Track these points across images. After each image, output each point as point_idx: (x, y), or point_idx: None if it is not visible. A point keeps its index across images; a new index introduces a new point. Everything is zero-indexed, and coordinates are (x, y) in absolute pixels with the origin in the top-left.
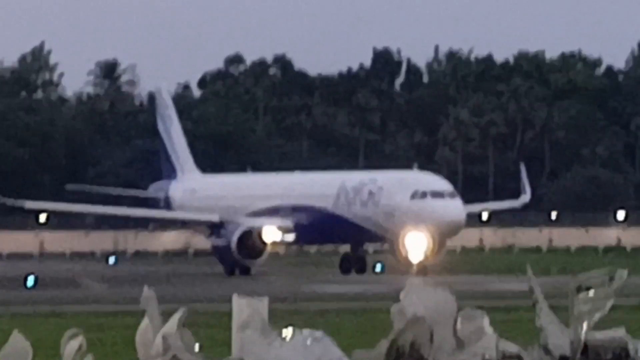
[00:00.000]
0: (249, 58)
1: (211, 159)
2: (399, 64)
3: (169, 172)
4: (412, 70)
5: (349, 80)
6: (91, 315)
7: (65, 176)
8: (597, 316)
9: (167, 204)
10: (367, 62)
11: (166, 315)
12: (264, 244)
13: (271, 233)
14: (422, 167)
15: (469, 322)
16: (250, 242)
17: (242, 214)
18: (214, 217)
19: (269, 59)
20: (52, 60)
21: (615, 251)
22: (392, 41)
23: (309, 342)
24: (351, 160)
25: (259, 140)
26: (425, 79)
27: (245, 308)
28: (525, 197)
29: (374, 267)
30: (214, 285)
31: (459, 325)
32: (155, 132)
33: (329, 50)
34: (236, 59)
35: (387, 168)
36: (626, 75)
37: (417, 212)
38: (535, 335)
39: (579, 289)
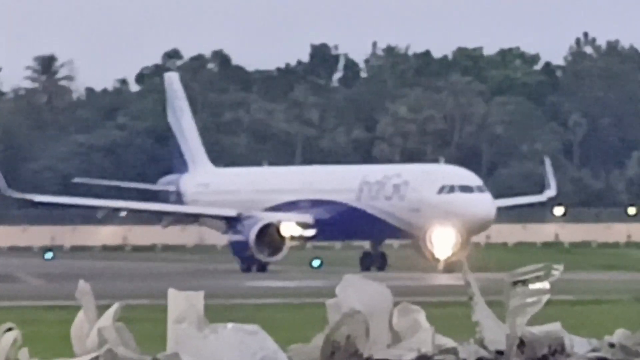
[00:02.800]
0: (187, 53)
1: (149, 154)
2: (337, 59)
3: (179, 165)
4: (350, 65)
5: (287, 76)
6: (27, 310)
7: (3, 171)
8: (532, 311)
9: (178, 198)
10: (305, 58)
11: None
12: (283, 239)
13: (290, 228)
14: (360, 163)
15: (405, 316)
16: (269, 238)
17: (258, 209)
18: (231, 212)
19: (207, 54)
20: None
21: (553, 247)
22: (329, 36)
23: (243, 336)
24: (288, 155)
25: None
26: (363, 74)
27: (181, 302)
28: (550, 192)
29: (310, 262)
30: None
31: (395, 319)
32: (94, 127)
33: (266, 45)
34: (174, 54)
35: (325, 164)
36: (564, 72)
37: (444, 207)
38: (471, 331)
39: (514, 284)
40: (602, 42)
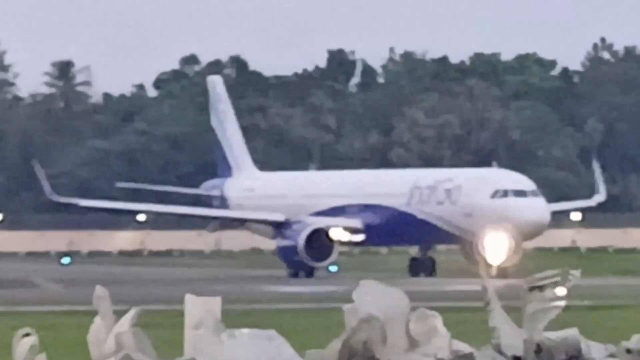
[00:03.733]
0: (204, 59)
1: (166, 159)
2: (354, 64)
3: (223, 169)
4: (367, 71)
5: (304, 81)
6: (45, 315)
7: (20, 176)
8: (550, 317)
9: (223, 203)
10: (322, 63)
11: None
12: (332, 244)
13: (340, 233)
14: (376, 168)
15: (422, 322)
16: (319, 243)
17: (305, 214)
18: (279, 217)
19: (224, 59)
20: (7, 60)
21: (571, 252)
22: (346, 42)
23: (260, 341)
24: (305, 160)
25: (214, 140)
26: (380, 79)
27: (199, 307)
28: (600, 197)
29: (327, 267)
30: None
31: (411, 325)
32: (111, 132)
33: (283, 50)
34: (191, 60)
35: (341, 169)
36: (581, 77)
37: (498, 212)
38: (488, 336)
39: (532, 290)
40: (619, 47)
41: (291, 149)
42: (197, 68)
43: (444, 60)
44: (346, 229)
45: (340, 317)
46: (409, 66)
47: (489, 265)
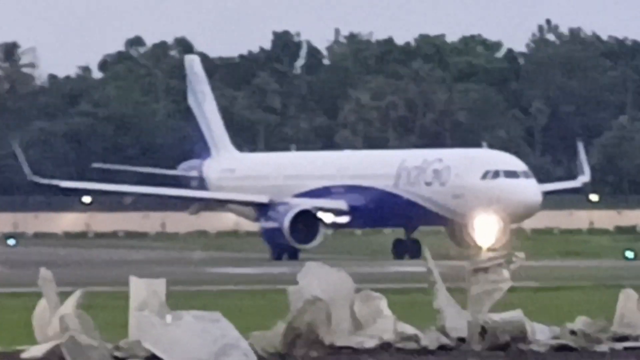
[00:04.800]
0: (149, 40)
1: (112, 141)
2: (299, 46)
3: (201, 150)
4: (312, 52)
5: (249, 63)
6: None
7: None
8: (494, 298)
9: (201, 184)
10: (267, 45)
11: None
12: (318, 226)
13: (325, 215)
14: (322, 150)
15: (366, 304)
16: (304, 225)
17: (288, 195)
18: (262, 198)
19: (170, 41)
20: None
21: (516, 234)
22: (292, 24)
23: (205, 323)
24: (250, 142)
25: (160, 122)
26: (326, 61)
27: (143, 289)
28: (585, 178)
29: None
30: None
31: (356, 307)
32: (57, 114)
33: (229, 32)
34: (136, 41)
35: (286, 150)
36: (527, 59)
37: (489, 193)
38: (433, 318)
39: (476, 272)
40: (564, 29)
41: (236, 130)
42: (142, 50)
43: (389, 41)
44: (331, 210)
45: (285, 299)
46: (354, 48)
47: (478, 247)
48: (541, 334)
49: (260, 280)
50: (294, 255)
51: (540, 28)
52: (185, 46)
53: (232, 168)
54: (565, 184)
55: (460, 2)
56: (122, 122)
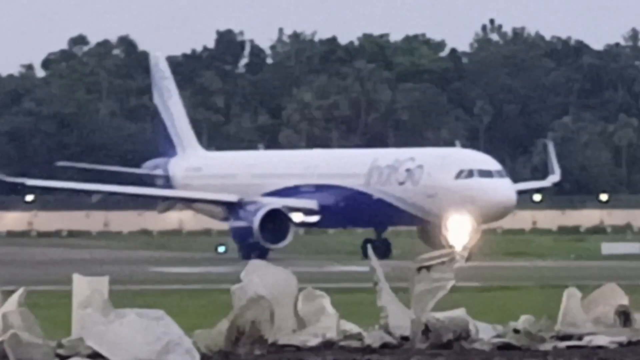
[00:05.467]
0: (93, 39)
1: (55, 140)
2: (243, 45)
3: (166, 148)
4: (256, 52)
5: (193, 62)
6: None
7: None
8: (437, 297)
9: (167, 183)
10: (211, 44)
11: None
12: (288, 226)
13: (294, 214)
14: (266, 149)
15: (310, 302)
16: (274, 224)
17: (257, 194)
18: (232, 197)
19: (113, 39)
20: None
21: None
22: (235, 23)
23: (148, 321)
24: None
25: (102, 121)
26: (269, 60)
27: (86, 287)
28: (554, 177)
29: (216, 248)
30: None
31: (300, 305)
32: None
33: (172, 31)
34: (80, 40)
35: (231, 149)
36: (470, 58)
37: (463, 193)
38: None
39: (419, 270)
40: (508, 29)
41: None
42: (85, 48)
43: (332, 41)
44: (302, 210)
45: (229, 298)
46: (297, 47)
47: (451, 248)
48: (484, 333)
49: (204, 280)
50: (263, 254)
51: (484, 28)
52: (128, 45)
53: (198, 166)
54: (535, 183)
55: (404, 2)
56: (65, 121)
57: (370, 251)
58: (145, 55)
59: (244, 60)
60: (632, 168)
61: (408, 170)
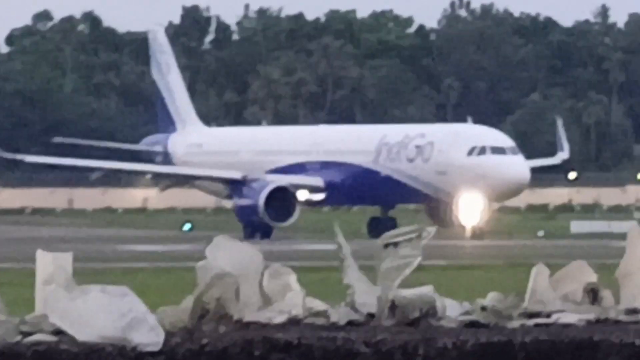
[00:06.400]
0: (57, 14)
1: (18, 116)
2: (209, 21)
3: (166, 124)
4: (222, 28)
5: None
6: None
7: None
8: (404, 274)
9: (166, 159)
10: (176, 20)
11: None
12: (294, 203)
13: (299, 192)
14: (232, 126)
15: (275, 279)
16: (279, 202)
17: (260, 172)
18: (235, 174)
19: (77, 15)
20: None
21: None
22: None
23: (112, 298)
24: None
25: (66, 97)
26: (236, 37)
27: (50, 263)
28: (564, 154)
29: (181, 225)
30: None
31: (265, 282)
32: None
33: (137, 7)
34: (44, 16)
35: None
36: (438, 35)
37: (475, 170)
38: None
39: (386, 247)
40: (476, 5)
41: (145, 106)
42: (49, 24)
43: (299, 17)
44: (307, 187)
45: (194, 276)
46: (264, 23)
47: (462, 226)
48: (452, 310)
49: (168, 258)
50: (267, 233)
51: (452, 4)
52: (93, 21)
53: (199, 143)
54: (542, 161)
55: None
56: (29, 98)
57: (336, 228)
58: (110, 31)
59: (209, 37)
60: (601, 146)
61: (418, 146)
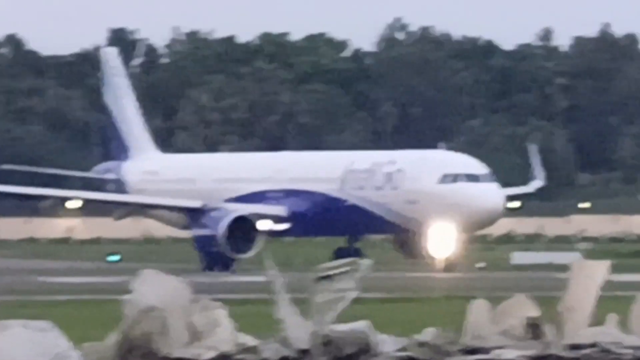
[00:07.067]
0: None
1: None
2: (136, 44)
3: (119, 150)
4: (150, 51)
5: (84, 61)
6: None
7: None
8: (338, 308)
9: (119, 188)
10: (103, 42)
11: None
12: (256, 234)
13: (262, 222)
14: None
15: (204, 313)
16: (241, 233)
17: (219, 200)
18: (195, 203)
19: (0, 38)
20: None
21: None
22: (128, 20)
23: (34, 333)
24: (84, 144)
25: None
26: (164, 60)
27: None
28: (538, 183)
29: (106, 256)
30: None
31: (194, 316)
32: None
33: (62, 29)
34: None
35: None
36: (375, 59)
37: (447, 199)
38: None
39: (320, 280)
40: (414, 27)
41: (71, 132)
42: None
43: (230, 40)
44: (270, 217)
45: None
46: (193, 46)
47: (433, 258)
48: (387, 346)
49: (94, 290)
50: (227, 265)
51: (390, 26)
52: (16, 43)
53: (154, 170)
54: (516, 189)
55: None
56: None
57: (268, 261)
58: (33, 55)
59: (137, 60)
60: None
61: (387, 174)
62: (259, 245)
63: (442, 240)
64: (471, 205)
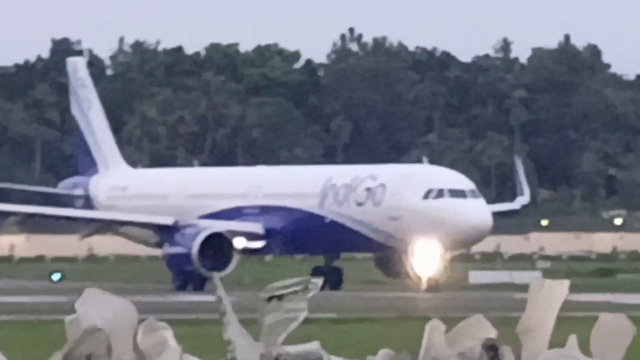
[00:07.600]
0: None
1: None
2: (80, 55)
3: (86, 166)
4: (95, 62)
5: (26, 73)
6: None
7: None
8: (289, 329)
9: (87, 204)
10: (45, 54)
11: None
12: (231, 252)
13: (236, 239)
14: None
15: (150, 334)
16: (215, 251)
17: (192, 217)
18: (167, 220)
19: None
20: None
21: (314, 260)
22: (72, 30)
23: None
24: (26, 159)
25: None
26: (109, 72)
27: None
28: (524, 199)
29: (50, 274)
30: None
31: (139, 338)
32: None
33: (3, 40)
34: None
35: (67, 169)
36: (327, 71)
37: (432, 215)
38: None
39: (269, 300)
40: (368, 38)
41: (12, 147)
42: None
43: (177, 51)
44: (245, 234)
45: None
46: (140, 57)
47: (417, 277)
48: None
49: (37, 310)
50: (201, 284)
51: (343, 37)
52: None
53: (124, 185)
54: (500, 206)
55: (255, 9)
56: None
57: (216, 280)
58: None
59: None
60: (502, 190)
61: (368, 189)
62: (234, 263)
63: (426, 259)
64: (457, 221)
